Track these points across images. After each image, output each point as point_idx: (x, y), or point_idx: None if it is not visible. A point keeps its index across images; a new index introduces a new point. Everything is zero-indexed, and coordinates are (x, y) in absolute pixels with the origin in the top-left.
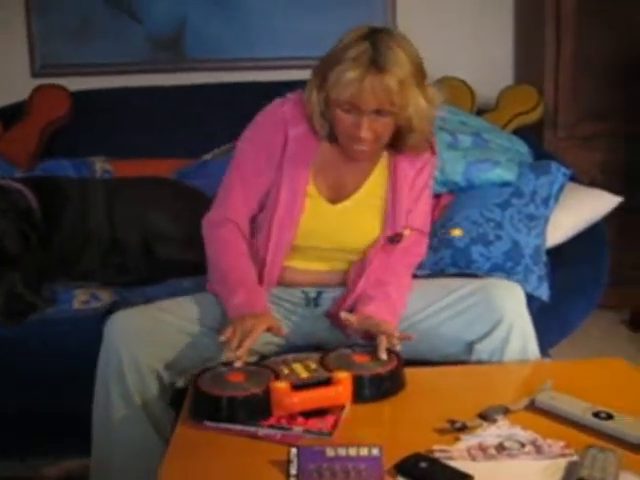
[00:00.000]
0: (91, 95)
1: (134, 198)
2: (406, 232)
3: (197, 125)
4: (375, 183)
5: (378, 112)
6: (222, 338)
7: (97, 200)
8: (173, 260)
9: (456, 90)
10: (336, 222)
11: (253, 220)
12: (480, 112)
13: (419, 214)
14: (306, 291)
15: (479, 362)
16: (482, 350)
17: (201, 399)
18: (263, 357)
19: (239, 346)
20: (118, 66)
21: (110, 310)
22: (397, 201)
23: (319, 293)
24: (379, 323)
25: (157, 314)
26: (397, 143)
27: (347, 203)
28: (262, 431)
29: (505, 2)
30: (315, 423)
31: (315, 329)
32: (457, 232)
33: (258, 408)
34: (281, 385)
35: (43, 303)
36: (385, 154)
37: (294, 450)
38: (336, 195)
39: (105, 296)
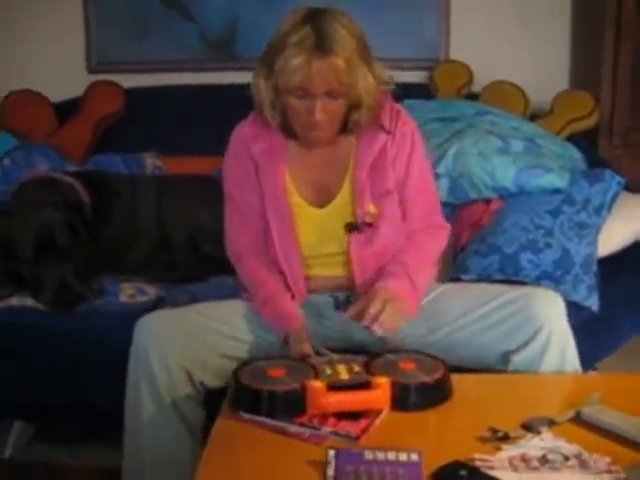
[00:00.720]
0: (144, 92)
1: (183, 196)
2: (367, 218)
3: None
4: (348, 187)
5: (329, 94)
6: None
7: (147, 197)
8: (218, 258)
9: (509, 94)
10: (326, 227)
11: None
12: (534, 117)
13: (418, 195)
14: (335, 295)
15: (515, 372)
16: (519, 361)
17: (240, 392)
18: None
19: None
20: (171, 64)
21: (155, 305)
22: (357, 191)
23: (347, 297)
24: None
25: (188, 315)
26: (348, 123)
27: (332, 205)
28: (292, 428)
29: (563, 6)
30: (345, 426)
31: (350, 332)
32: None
33: (294, 404)
34: (317, 384)
35: (91, 294)
36: (354, 146)
37: (332, 451)
38: (321, 199)
39: (151, 291)
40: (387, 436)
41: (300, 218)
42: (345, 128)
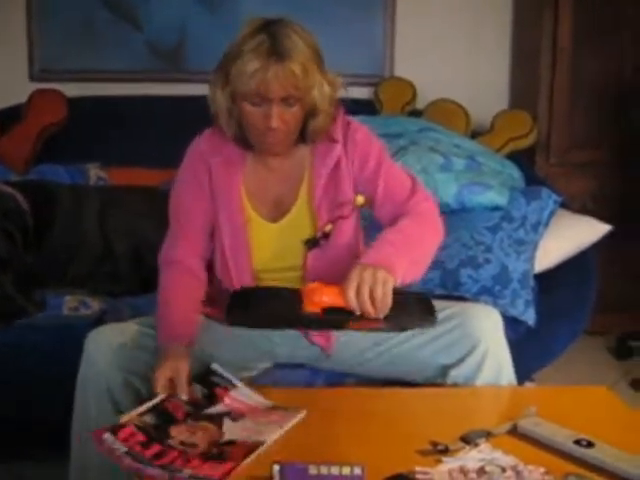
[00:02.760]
0: (88, 101)
1: (127, 207)
2: (327, 228)
3: (192, 136)
4: (303, 200)
5: (286, 100)
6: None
7: (90, 208)
8: None
9: (451, 112)
10: (281, 241)
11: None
12: (475, 135)
13: (391, 187)
14: None
15: (453, 385)
16: (456, 375)
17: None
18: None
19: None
20: (116, 73)
21: (100, 318)
22: (313, 205)
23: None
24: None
25: (137, 328)
26: (304, 133)
27: (286, 219)
28: (150, 469)
29: (502, 27)
30: (208, 469)
31: (296, 347)
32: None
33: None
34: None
35: (33, 307)
36: (308, 160)
37: (276, 466)
38: (275, 213)
39: (95, 304)
40: (330, 450)
41: (254, 232)
42: (300, 139)
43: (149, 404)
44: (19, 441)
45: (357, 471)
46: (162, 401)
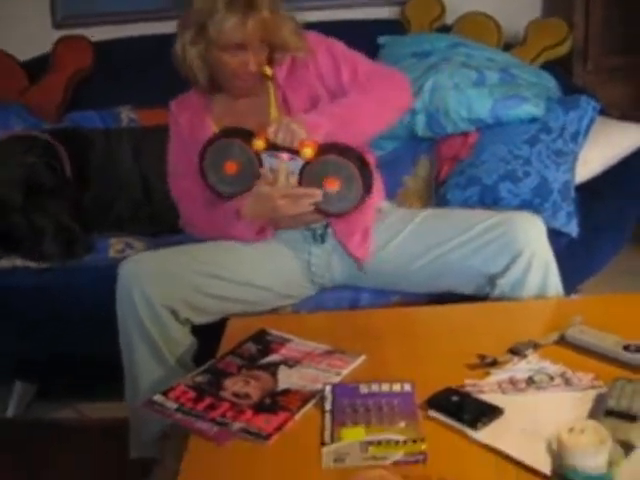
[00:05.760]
0: (113, 45)
1: (162, 147)
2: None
3: None
4: (275, 118)
5: (260, 44)
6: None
7: (125, 150)
8: None
9: (482, 25)
10: None
11: None
12: (507, 47)
13: (348, 72)
14: (312, 227)
15: (501, 296)
16: (504, 283)
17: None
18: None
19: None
20: (140, 14)
21: None
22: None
23: (325, 227)
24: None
25: (168, 256)
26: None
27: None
28: (198, 424)
29: None
30: (260, 422)
31: (330, 264)
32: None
33: None
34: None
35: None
36: (271, 86)
37: (328, 387)
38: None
39: (139, 245)
40: (380, 369)
41: None
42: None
43: (201, 368)
44: (80, 381)
45: (407, 387)
46: (214, 362)
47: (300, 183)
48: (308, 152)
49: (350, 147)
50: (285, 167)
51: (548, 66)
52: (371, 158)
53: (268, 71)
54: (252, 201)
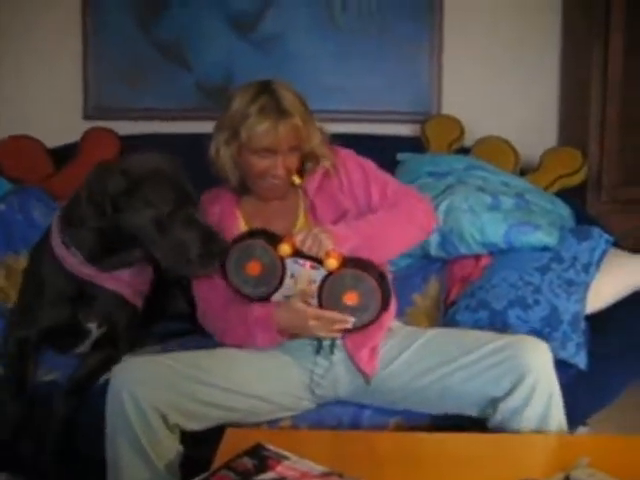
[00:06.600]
0: (139, 139)
1: None
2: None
3: None
4: (302, 224)
5: (290, 150)
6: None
7: None
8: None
9: (499, 150)
10: None
11: None
12: (522, 172)
13: (384, 191)
14: (318, 341)
15: (502, 421)
16: (505, 409)
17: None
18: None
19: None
20: (167, 112)
21: None
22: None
23: (334, 339)
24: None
25: (163, 361)
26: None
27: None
28: None
29: (551, 63)
30: None
31: (336, 378)
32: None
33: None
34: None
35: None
36: (301, 195)
37: None
38: None
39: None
40: None
41: None
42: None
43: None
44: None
45: None
46: (208, 475)
47: (320, 292)
48: (333, 263)
49: (373, 263)
50: (307, 275)
51: (563, 194)
52: (390, 276)
53: (297, 180)
54: (285, 313)
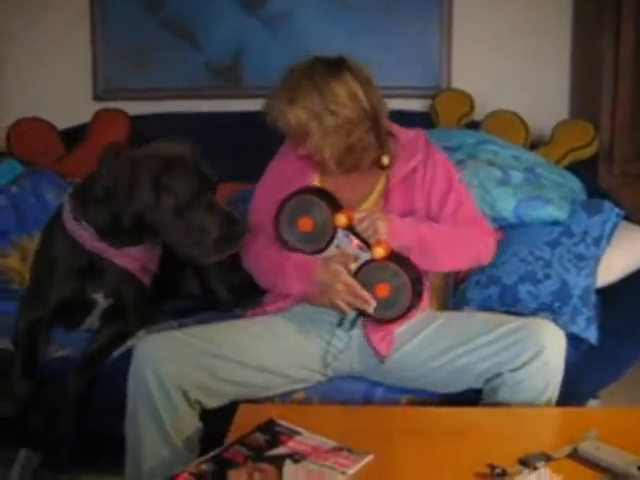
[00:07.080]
0: (150, 119)
1: None
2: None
3: (253, 151)
4: (371, 204)
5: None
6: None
7: None
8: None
9: (509, 123)
10: None
11: None
12: (533, 146)
13: (453, 206)
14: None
15: (499, 385)
16: (511, 378)
17: None
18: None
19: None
20: (177, 91)
21: None
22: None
23: (357, 315)
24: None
25: (183, 337)
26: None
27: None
28: None
29: (562, 36)
30: None
31: (350, 352)
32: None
33: None
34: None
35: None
36: (383, 177)
37: None
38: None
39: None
40: (386, 471)
41: None
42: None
43: (207, 455)
44: (84, 453)
45: None
46: (221, 450)
47: (357, 273)
48: (380, 252)
49: (415, 267)
50: (352, 251)
51: (574, 167)
52: (427, 283)
53: (385, 160)
54: (322, 268)
